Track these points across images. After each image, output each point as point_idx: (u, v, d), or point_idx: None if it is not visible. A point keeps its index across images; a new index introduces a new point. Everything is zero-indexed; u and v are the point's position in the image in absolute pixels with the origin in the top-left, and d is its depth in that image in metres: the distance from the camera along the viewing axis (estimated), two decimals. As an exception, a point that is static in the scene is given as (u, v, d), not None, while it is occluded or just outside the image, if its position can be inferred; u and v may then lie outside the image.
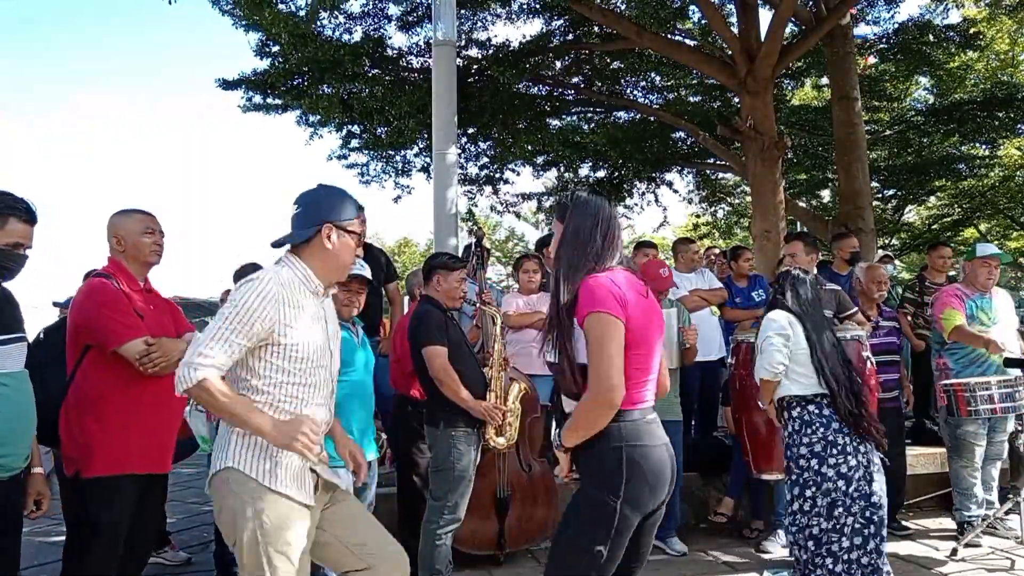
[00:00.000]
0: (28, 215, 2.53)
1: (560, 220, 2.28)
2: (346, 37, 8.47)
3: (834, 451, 3.21)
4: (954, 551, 4.30)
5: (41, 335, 3.52)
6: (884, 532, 3.23)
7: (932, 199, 16.43)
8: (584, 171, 12.70)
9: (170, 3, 6.84)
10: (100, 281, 2.87)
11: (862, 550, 3.15)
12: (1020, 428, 4.47)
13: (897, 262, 17.35)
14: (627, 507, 2.07)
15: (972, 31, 9.98)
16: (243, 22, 7.74)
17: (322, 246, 2.21)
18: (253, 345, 2.09)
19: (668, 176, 13.02)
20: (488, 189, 12.27)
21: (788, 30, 8.32)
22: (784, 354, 3.37)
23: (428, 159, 9.83)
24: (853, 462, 3.20)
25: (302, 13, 7.40)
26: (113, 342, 2.75)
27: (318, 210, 2.23)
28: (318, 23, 7.58)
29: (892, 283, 6.74)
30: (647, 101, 10.93)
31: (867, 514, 3.17)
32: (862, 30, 10.00)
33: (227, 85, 8.97)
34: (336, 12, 7.91)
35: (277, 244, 2.24)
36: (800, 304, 3.47)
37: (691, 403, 5.32)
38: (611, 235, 2.22)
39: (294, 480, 2.16)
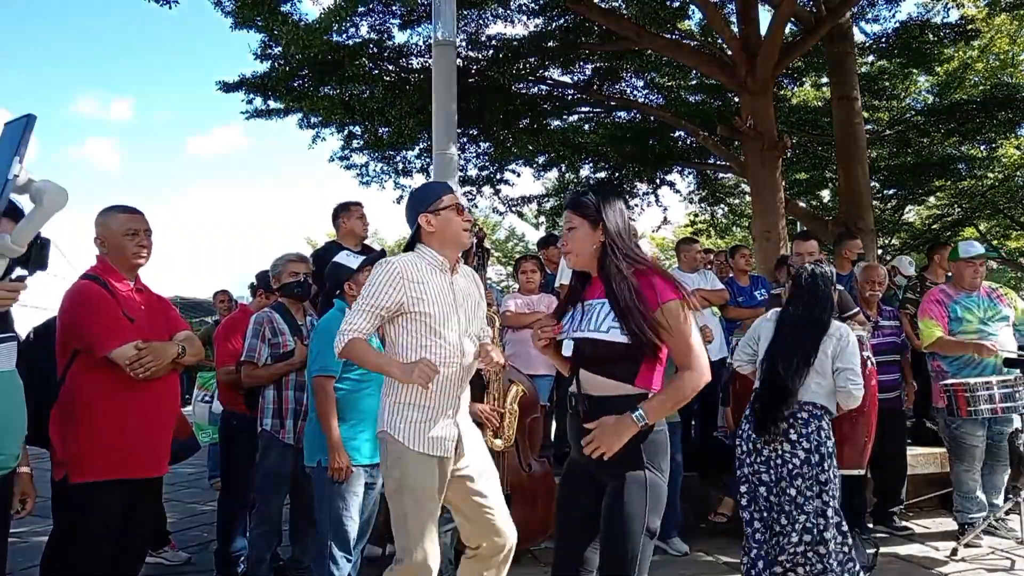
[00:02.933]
0: (17, 215, 2.50)
1: (581, 215, 2.37)
2: (351, 31, 8.46)
3: (738, 451, 3.54)
4: (954, 551, 4.30)
5: (31, 335, 3.47)
6: (794, 539, 3.28)
7: (932, 199, 16.44)
8: (585, 171, 12.70)
9: (170, 7, 6.86)
10: (86, 283, 2.81)
11: (767, 548, 3.35)
12: (1020, 428, 4.46)
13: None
14: (667, 483, 2.32)
15: (970, 28, 10.00)
16: (244, 24, 7.72)
17: (428, 231, 2.62)
18: (389, 314, 2.54)
19: (669, 176, 13.04)
20: (489, 190, 12.29)
21: (788, 30, 8.32)
22: (737, 357, 3.81)
23: (428, 159, 9.83)
24: (746, 458, 3.48)
25: (309, 19, 7.38)
26: (102, 348, 2.71)
27: (412, 208, 2.68)
28: (331, 31, 7.54)
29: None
30: (647, 101, 10.93)
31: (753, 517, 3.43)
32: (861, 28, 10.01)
33: (228, 88, 8.94)
34: (348, 21, 7.88)
35: (406, 249, 2.74)
36: (792, 301, 3.61)
37: (691, 403, 5.31)
38: (630, 227, 2.42)
39: (433, 439, 2.54)
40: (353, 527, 3.25)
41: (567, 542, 2.38)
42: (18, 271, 2.30)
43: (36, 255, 2.31)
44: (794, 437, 3.36)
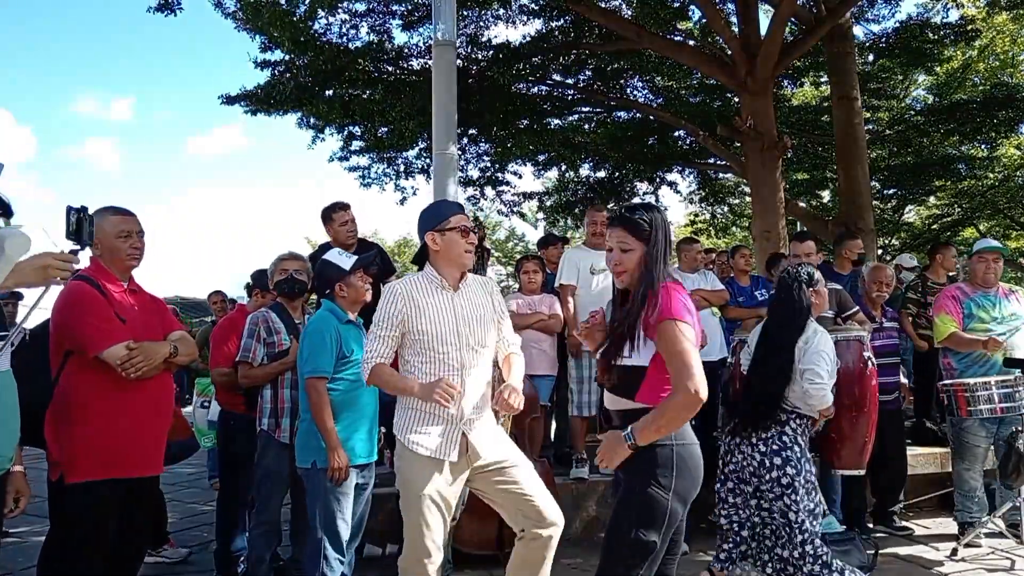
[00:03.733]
0: (4, 209, 2.50)
1: (636, 236, 2.37)
2: (352, 33, 8.48)
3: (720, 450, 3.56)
4: (954, 551, 4.29)
5: (27, 337, 3.47)
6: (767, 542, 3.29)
7: (932, 199, 16.45)
8: (585, 171, 12.71)
9: (175, 15, 6.87)
10: (78, 284, 2.81)
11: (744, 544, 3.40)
12: (1020, 428, 4.45)
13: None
14: (676, 501, 2.27)
15: (970, 28, 10.01)
16: (245, 26, 7.74)
17: (433, 249, 2.75)
18: (398, 334, 2.70)
19: (669, 176, 13.05)
20: (490, 191, 12.30)
21: (788, 30, 8.33)
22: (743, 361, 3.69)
23: (429, 160, 9.84)
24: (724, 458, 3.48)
25: (302, 10, 7.39)
26: (93, 348, 2.72)
27: (421, 227, 2.80)
28: (319, 25, 7.57)
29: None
30: (647, 101, 10.94)
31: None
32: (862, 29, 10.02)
33: (230, 100, 8.98)
34: (336, 10, 7.89)
35: (415, 261, 2.90)
36: (772, 304, 3.59)
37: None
38: (671, 246, 2.45)
39: (437, 441, 2.66)
40: (345, 528, 3.23)
41: None
42: (71, 246, 2.40)
43: (84, 232, 2.38)
44: (754, 439, 3.32)
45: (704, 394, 2.21)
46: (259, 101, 8.83)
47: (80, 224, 2.38)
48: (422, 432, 2.66)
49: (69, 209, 2.40)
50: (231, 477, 4.19)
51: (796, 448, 3.26)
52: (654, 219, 2.38)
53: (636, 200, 13.00)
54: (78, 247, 2.39)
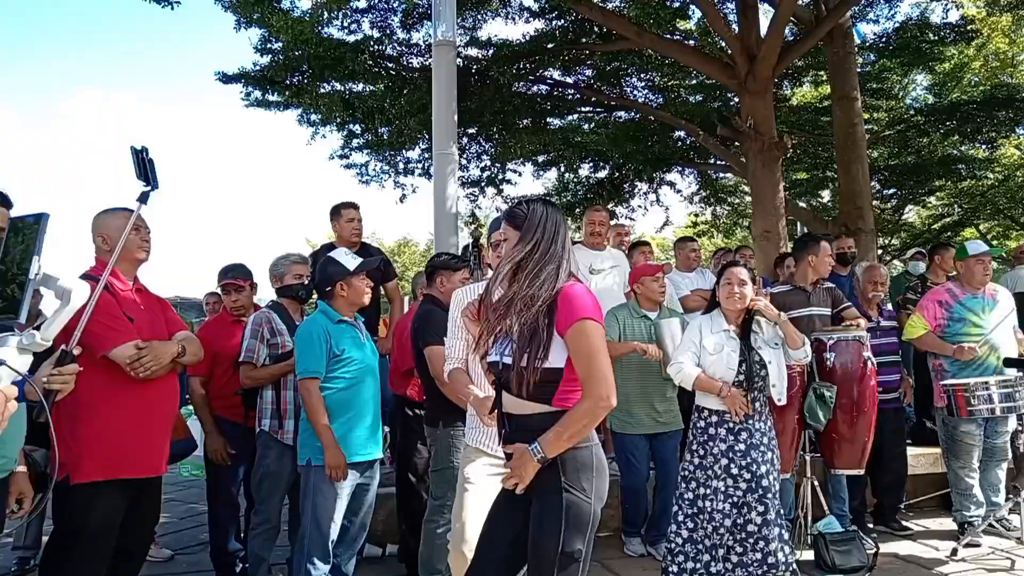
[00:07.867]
0: (2, 200, 2.49)
1: (514, 227, 2.21)
2: (353, 27, 8.48)
3: None
4: (954, 551, 4.29)
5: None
6: None
7: (932, 199, 16.44)
8: (585, 171, 12.71)
9: (172, 8, 6.85)
10: (86, 282, 2.82)
11: None
12: (1020, 428, 4.44)
13: (897, 262, 17.37)
14: (598, 503, 2.15)
15: (970, 28, 10.02)
16: (244, 21, 7.73)
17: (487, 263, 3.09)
18: (469, 335, 2.79)
19: (669, 176, 13.04)
20: (490, 190, 12.29)
21: (788, 30, 8.33)
22: None
23: (429, 159, 9.84)
24: None
25: (304, 14, 7.39)
26: (101, 347, 2.71)
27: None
28: (322, 22, 7.56)
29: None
30: (647, 101, 10.94)
31: None
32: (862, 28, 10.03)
33: (227, 79, 8.94)
34: (340, 10, 7.89)
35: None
36: None
37: (687, 404, 5.31)
38: (568, 245, 2.24)
39: (474, 433, 2.88)
40: (333, 528, 3.20)
41: (486, 561, 2.25)
42: (142, 188, 2.38)
43: (151, 172, 2.34)
44: None
45: (613, 401, 2.07)
46: (257, 81, 8.80)
47: (143, 164, 2.34)
48: (474, 424, 2.86)
49: (132, 150, 2.35)
50: (217, 479, 4.05)
51: (688, 438, 3.62)
52: (530, 208, 2.21)
53: (635, 200, 13.01)
54: (148, 188, 2.34)
